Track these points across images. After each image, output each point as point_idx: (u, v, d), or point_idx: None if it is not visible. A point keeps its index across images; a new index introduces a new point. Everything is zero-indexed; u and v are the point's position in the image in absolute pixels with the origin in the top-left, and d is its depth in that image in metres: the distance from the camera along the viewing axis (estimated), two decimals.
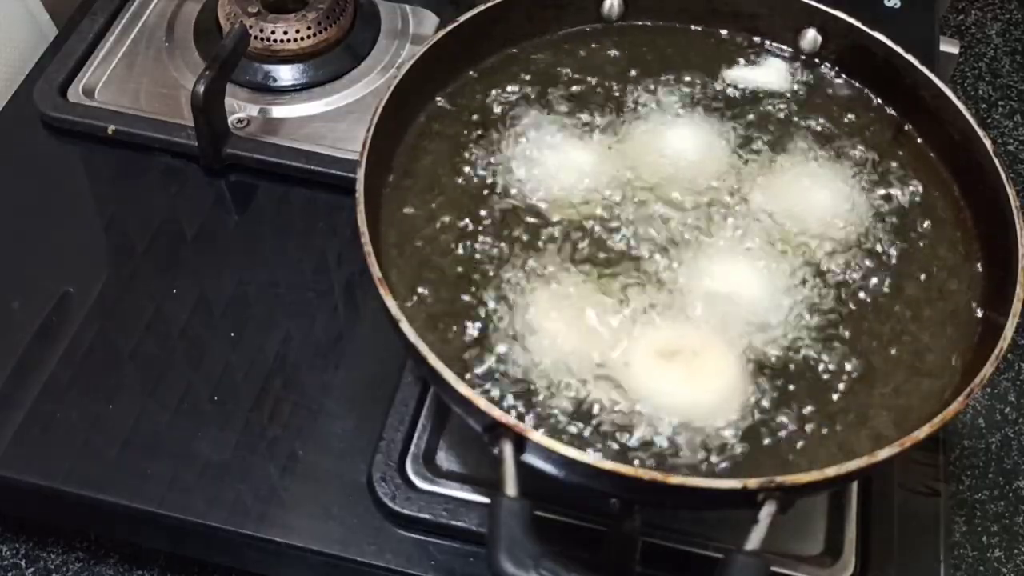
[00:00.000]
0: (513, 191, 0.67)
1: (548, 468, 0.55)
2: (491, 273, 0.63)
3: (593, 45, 0.75)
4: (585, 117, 0.71)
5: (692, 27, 0.75)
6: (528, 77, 0.73)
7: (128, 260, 0.83)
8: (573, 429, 0.57)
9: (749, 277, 0.64)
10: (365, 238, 0.59)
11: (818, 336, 0.61)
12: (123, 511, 0.71)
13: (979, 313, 0.63)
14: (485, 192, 0.67)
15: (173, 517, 0.70)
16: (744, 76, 0.74)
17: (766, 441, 0.58)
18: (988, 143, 0.65)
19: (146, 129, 0.88)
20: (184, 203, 0.86)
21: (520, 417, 0.57)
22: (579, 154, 0.69)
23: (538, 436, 0.53)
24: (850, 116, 0.72)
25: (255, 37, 0.90)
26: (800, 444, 0.58)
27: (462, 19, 0.70)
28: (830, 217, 0.66)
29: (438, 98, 0.71)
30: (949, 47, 0.94)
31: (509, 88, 0.72)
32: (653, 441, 0.57)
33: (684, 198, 0.67)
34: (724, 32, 0.75)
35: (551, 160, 0.68)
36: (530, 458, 0.54)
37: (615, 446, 0.57)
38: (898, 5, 0.97)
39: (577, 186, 0.67)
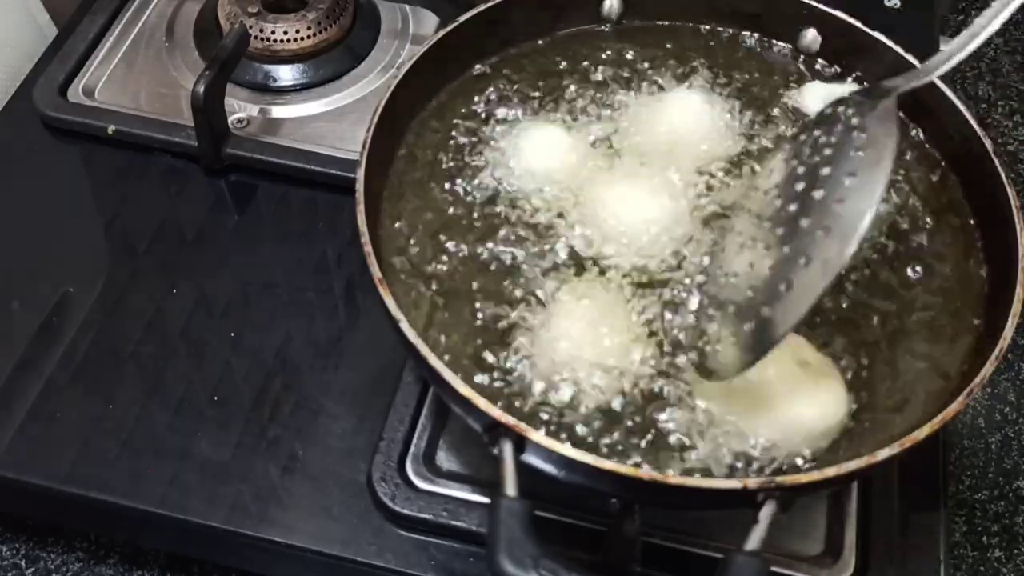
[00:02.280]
0: (513, 190, 0.67)
1: (548, 468, 0.55)
2: (492, 271, 0.63)
3: (593, 44, 0.75)
4: (585, 116, 0.71)
5: (691, 26, 0.75)
6: (528, 76, 0.73)
7: (128, 260, 0.83)
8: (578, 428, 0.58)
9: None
10: (365, 238, 0.59)
11: (818, 337, 0.62)
12: (123, 511, 0.71)
13: (979, 313, 0.63)
14: (485, 191, 0.67)
15: (173, 517, 0.70)
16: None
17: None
18: (988, 143, 0.65)
19: (146, 129, 0.88)
20: (184, 203, 0.86)
21: (529, 415, 0.57)
22: (579, 154, 0.69)
23: (538, 436, 0.53)
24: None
25: (255, 37, 0.90)
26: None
27: (462, 19, 0.70)
28: None
29: (438, 98, 0.71)
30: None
31: (509, 87, 0.72)
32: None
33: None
34: (725, 31, 0.75)
35: (551, 159, 0.68)
36: (530, 458, 0.54)
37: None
38: (898, 5, 0.97)
39: (577, 185, 0.67)
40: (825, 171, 0.55)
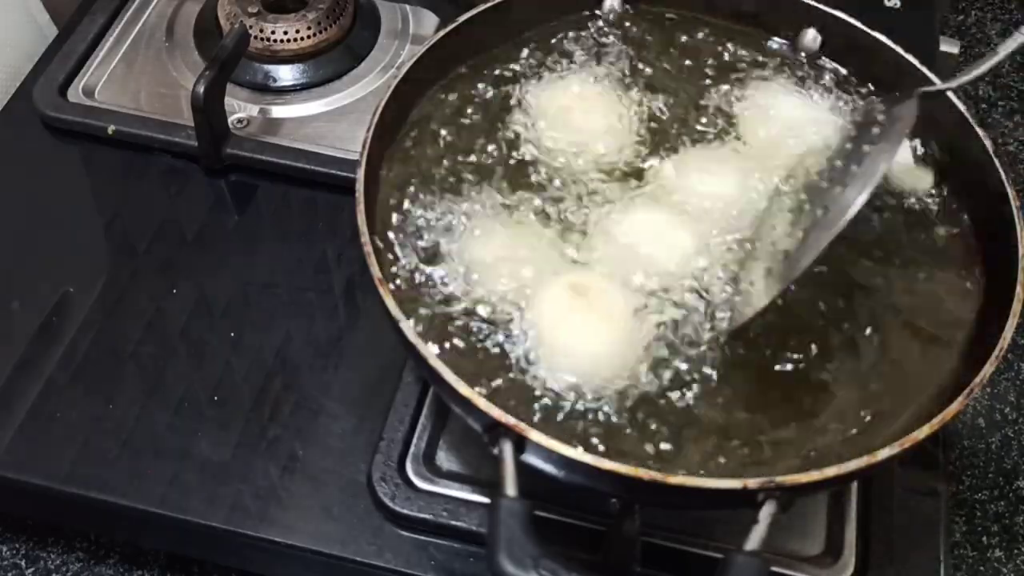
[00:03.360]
0: (513, 190, 0.67)
1: (548, 468, 0.55)
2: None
3: (593, 42, 0.75)
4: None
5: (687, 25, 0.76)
6: (528, 75, 0.73)
7: (128, 260, 0.83)
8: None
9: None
10: (365, 238, 0.59)
11: (816, 338, 0.62)
12: (123, 511, 0.71)
13: (979, 312, 0.62)
14: (484, 190, 0.67)
15: (173, 517, 0.70)
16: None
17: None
18: (988, 143, 0.65)
19: (146, 129, 0.88)
20: (184, 203, 0.86)
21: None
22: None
23: (538, 436, 0.53)
24: (851, 114, 0.72)
25: (255, 37, 0.90)
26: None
27: (462, 19, 0.70)
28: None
29: (438, 98, 0.71)
30: (949, 47, 0.94)
31: (509, 86, 0.72)
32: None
33: None
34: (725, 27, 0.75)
35: (550, 159, 0.68)
36: (530, 458, 0.54)
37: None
38: (898, 5, 0.97)
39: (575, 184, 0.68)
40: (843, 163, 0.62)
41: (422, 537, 0.69)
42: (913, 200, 0.67)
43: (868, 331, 0.62)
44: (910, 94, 0.63)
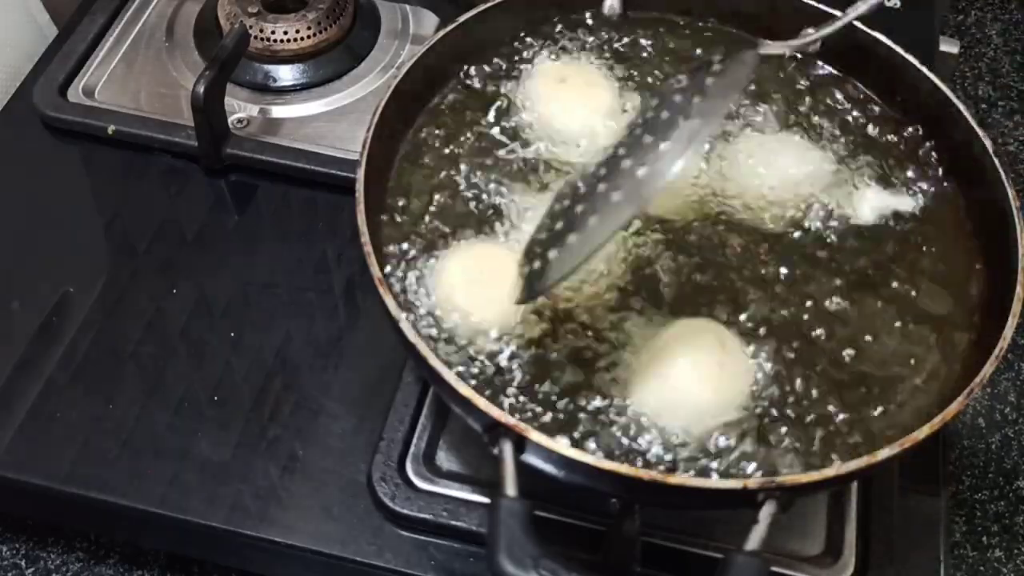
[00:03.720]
0: (512, 189, 0.67)
1: (548, 468, 0.55)
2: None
3: (591, 43, 0.75)
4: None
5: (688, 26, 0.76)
6: (527, 75, 0.73)
7: (128, 260, 0.83)
8: None
9: None
10: (365, 238, 0.59)
11: (816, 336, 0.62)
12: (123, 511, 0.71)
13: (979, 312, 0.62)
14: (485, 188, 0.67)
15: (173, 517, 0.70)
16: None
17: None
18: (988, 143, 0.65)
19: (146, 129, 0.88)
20: (184, 203, 0.86)
21: None
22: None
23: (538, 436, 0.53)
24: (852, 115, 0.72)
25: (255, 37, 0.90)
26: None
27: (462, 19, 0.70)
28: (831, 216, 0.67)
29: (438, 97, 0.71)
30: (949, 47, 0.94)
31: (509, 86, 0.72)
32: None
33: None
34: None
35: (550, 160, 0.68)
36: (530, 458, 0.54)
37: None
38: (898, 5, 0.97)
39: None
40: (648, 139, 0.54)
41: (422, 537, 0.69)
42: (912, 201, 0.67)
43: (870, 333, 0.62)
44: (745, 57, 0.58)
